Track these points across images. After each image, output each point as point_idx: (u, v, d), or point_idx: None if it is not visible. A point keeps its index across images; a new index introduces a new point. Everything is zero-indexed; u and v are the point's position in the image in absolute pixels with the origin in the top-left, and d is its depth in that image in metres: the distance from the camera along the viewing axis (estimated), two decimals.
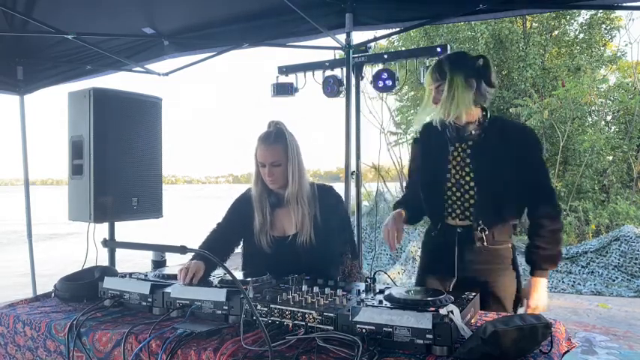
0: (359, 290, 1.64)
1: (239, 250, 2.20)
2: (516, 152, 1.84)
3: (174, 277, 1.89)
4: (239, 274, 1.94)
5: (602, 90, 10.50)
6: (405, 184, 2.19)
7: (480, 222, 1.87)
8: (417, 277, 2.16)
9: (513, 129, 1.93)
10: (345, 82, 3.88)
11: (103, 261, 2.59)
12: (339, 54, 4.24)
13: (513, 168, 1.83)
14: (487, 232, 1.86)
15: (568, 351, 1.50)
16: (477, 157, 1.88)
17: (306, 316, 1.42)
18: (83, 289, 1.92)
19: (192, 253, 1.73)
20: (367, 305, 1.43)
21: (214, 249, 1.96)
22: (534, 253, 1.87)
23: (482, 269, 1.90)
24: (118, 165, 2.97)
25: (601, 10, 9.58)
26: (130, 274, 1.94)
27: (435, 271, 2.00)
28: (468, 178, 1.89)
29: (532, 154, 1.88)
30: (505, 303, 1.90)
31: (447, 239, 1.94)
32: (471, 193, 1.89)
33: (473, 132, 1.88)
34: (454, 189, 1.91)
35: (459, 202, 1.91)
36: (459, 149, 1.91)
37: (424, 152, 2.03)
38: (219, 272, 1.93)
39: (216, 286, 1.72)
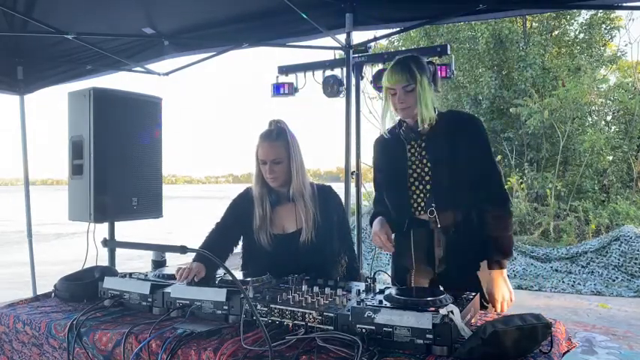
0: (359, 290, 1.64)
1: (238, 250, 2.20)
2: (463, 141, 1.92)
3: (174, 277, 1.88)
4: (239, 274, 1.94)
5: (602, 90, 10.51)
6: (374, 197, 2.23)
7: (433, 205, 1.92)
8: (394, 275, 2.12)
9: (460, 119, 2.03)
10: (345, 82, 3.89)
11: (103, 261, 2.59)
12: (339, 54, 4.24)
13: (463, 155, 1.91)
14: (436, 215, 1.92)
15: (568, 351, 1.50)
16: (432, 148, 1.95)
17: (306, 316, 1.42)
18: (83, 289, 1.92)
19: (194, 254, 1.73)
20: (367, 305, 1.43)
21: (214, 249, 1.96)
22: (485, 244, 1.89)
23: (457, 262, 1.93)
24: (118, 165, 2.97)
25: (601, 10, 9.58)
26: (130, 274, 1.94)
27: (421, 269, 2.00)
28: (427, 169, 1.95)
29: (477, 142, 1.95)
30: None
31: (420, 233, 1.97)
32: (431, 183, 1.94)
33: (425, 127, 1.94)
34: (417, 183, 1.96)
35: (422, 195, 1.96)
36: (415, 146, 1.98)
37: (383, 158, 2.11)
38: (219, 272, 1.93)
39: (216, 286, 1.72)
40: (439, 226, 1.93)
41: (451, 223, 1.92)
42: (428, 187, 1.94)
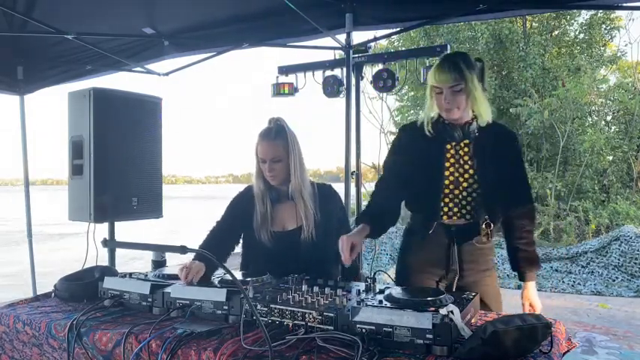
0: (359, 290, 1.64)
1: (237, 250, 2.20)
2: (505, 151, 1.90)
3: (174, 277, 1.89)
4: (239, 273, 1.94)
5: (602, 90, 10.53)
6: (373, 188, 2.11)
7: (487, 217, 1.87)
8: (402, 277, 2.05)
9: (505, 131, 1.99)
10: (345, 82, 3.89)
11: (104, 261, 2.59)
12: (339, 54, 4.25)
13: (503, 167, 1.88)
14: (492, 228, 1.88)
15: (568, 351, 1.50)
16: (478, 154, 1.87)
17: (306, 316, 1.42)
18: (83, 289, 1.92)
19: (193, 253, 1.73)
20: (367, 305, 1.43)
21: (215, 247, 1.97)
22: (522, 259, 1.91)
23: (474, 268, 1.93)
24: (118, 165, 2.97)
25: (601, 10, 9.58)
26: (130, 274, 1.94)
27: (429, 272, 1.95)
28: (467, 176, 1.87)
29: (516, 154, 1.99)
30: (492, 302, 1.92)
31: (443, 238, 1.91)
32: (469, 190, 1.88)
33: (470, 130, 1.88)
34: (452, 187, 1.88)
35: (456, 200, 1.88)
36: (456, 147, 1.90)
37: (412, 153, 1.97)
38: (219, 272, 1.93)
39: (216, 286, 1.72)
40: (489, 238, 1.90)
41: (484, 232, 1.89)
42: (465, 193, 1.87)
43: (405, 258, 2.05)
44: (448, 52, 3.65)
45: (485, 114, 1.86)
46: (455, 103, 1.82)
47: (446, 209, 1.89)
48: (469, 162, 1.88)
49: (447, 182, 1.89)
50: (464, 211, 1.89)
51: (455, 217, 1.89)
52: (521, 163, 2.01)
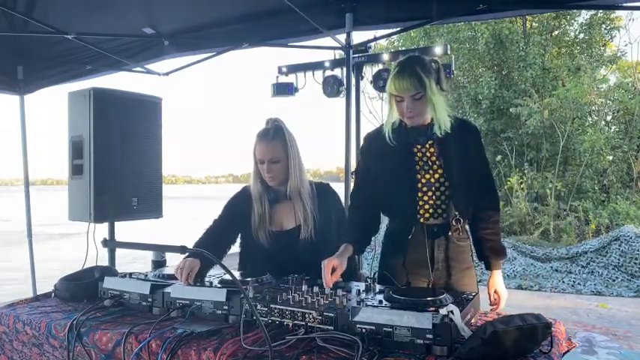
0: (359, 290, 1.64)
1: (234, 251, 2.19)
2: (469, 146, 1.93)
3: (174, 277, 1.88)
4: (237, 274, 1.94)
5: (602, 90, 10.51)
6: (349, 201, 2.08)
7: (456, 214, 1.90)
8: (386, 280, 2.00)
9: (465, 125, 1.99)
10: (345, 82, 3.89)
11: (103, 261, 2.59)
12: (339, 54, 4.25)
13: (468, 161, 1.91)
14: (462, 224, 1.90)
15: (568, 351, 1.50)
16: (444, 153, 1.90)
17: (306, 316, 1.42)
18: (83, 289, 1.93)
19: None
20: (367, 305, 1.43)
21: (211, 247, 1.96)
22: (488, 249, 1.94)
23: (456, 267, 1.94)
24: (118, 165, 2.97)
25: (601, 10, 9.58)
26: (130, 274, 1.94)
27: (414, 273, 1.95)
28: (437, 176, 1.89)
29: (479, 147, 1.99)
30: None
31: (423, 240, 1.91)
32: (442, 189, 1.90)
33: (434, 131, 1.88)
34: (425, 189, 1.90)
35: (430, 202, 1.90)
36: (423, 150, 1.92)
37: (382, 161, 1.98)
38: (218, 272, 1.93)
39: (216, 286, 1.72)
40: (460, 234, 1.92)
41: (454, 228, 1.91)
42: (438, 193, 1.89)
43: (388, 261, 2.04)
44: (448, 52, 3.65)
45: (444, 122, 1.86)
46: (416, 111, 1.84)
47: (422, 212, 1.90)
48: (437, 162, 1.90)
49: (419, 185, 1.90)
50: (439, 211, 1.91)
51: (431, 219, 1.91)
52: (485, 155, 2.03)
